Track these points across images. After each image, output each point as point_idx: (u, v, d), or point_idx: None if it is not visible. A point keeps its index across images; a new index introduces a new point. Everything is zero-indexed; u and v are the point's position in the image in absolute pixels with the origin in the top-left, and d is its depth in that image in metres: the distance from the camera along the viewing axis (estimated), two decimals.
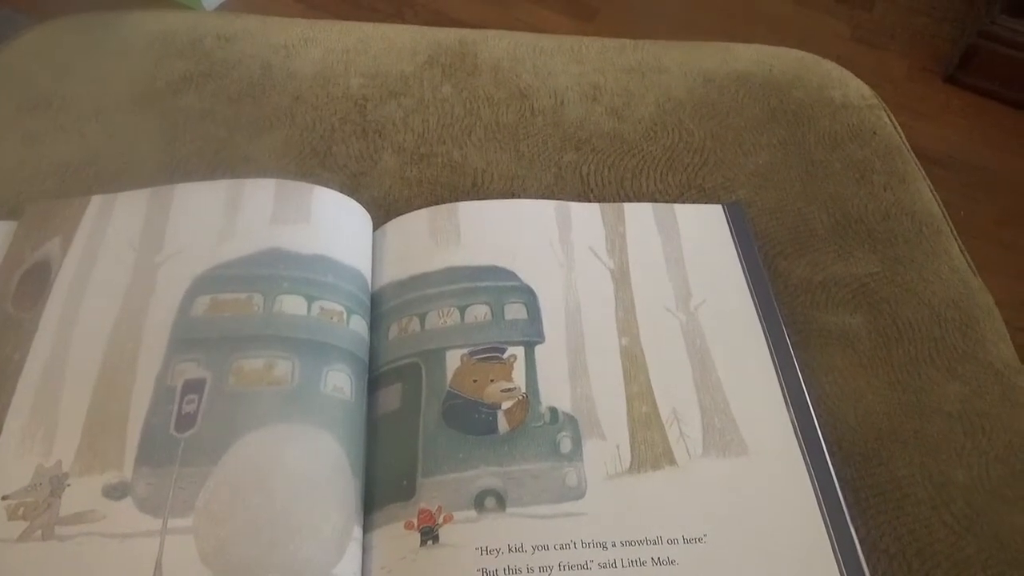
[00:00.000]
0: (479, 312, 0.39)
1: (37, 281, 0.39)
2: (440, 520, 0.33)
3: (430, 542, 0.33)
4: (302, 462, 0.34)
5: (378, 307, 0.41)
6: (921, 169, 0.52)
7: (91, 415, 0.35)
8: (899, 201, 0.49)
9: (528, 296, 0.40)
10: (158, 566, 0.31)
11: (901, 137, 0.54)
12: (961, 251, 0.48)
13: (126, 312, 0.38)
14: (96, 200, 0.43)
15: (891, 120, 0.55)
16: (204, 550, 0.31)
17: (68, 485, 0.33)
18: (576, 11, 1.38)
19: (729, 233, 0.44)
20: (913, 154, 0.53)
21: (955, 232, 0.49)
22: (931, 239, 0.47)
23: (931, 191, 0.51)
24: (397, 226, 0.44)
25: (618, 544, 0.33)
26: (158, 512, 0.32)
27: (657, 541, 0.33)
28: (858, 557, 0.33)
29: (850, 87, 0.56)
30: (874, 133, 0.53)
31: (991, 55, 1.24)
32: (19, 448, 0.34)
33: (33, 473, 0.33)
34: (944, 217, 0.49)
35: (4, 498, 0.33)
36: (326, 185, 0.43)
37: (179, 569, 0.31)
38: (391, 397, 0.37)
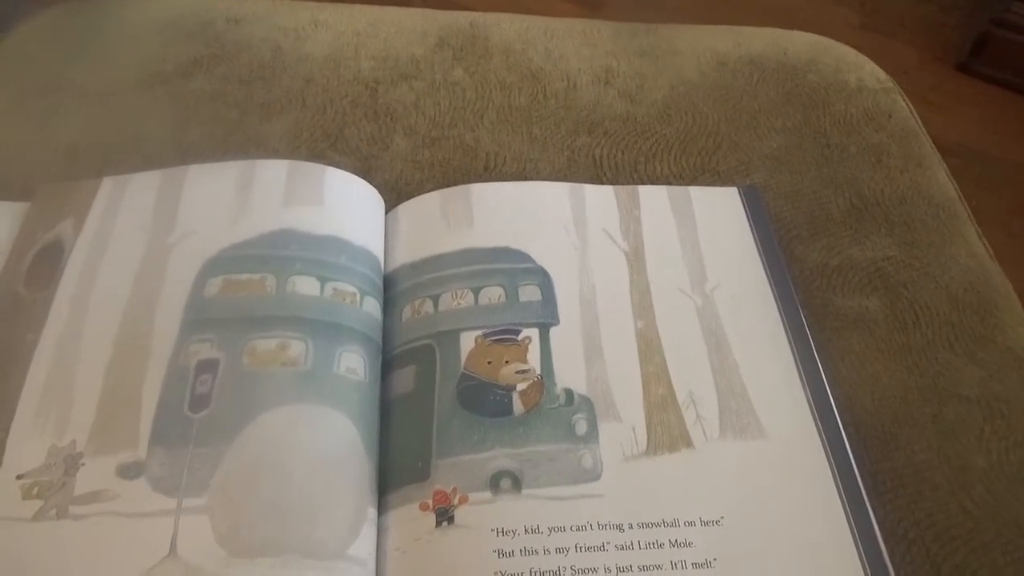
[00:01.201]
0: (493, 294, 0.39)
1: (49, 262, 0.39)
2: (455, 501, 0.33)
3: (445, 523, 0.33)
4: (316, 443, 0.34)
5: (391, 289, 0.40)
6: (937, 153, 0.51)
7: (105, 395, 0.35)
8: (915, 185, 0.48)
9: (542, 278, 0.40)
10: (173, 545, 0.31)
11: (917, 121, 0.53)
12: (978, 235, 0.47)
13: (139, 293, 0.38)
14: (108, 181, 0.42)
15: (907, 104, 0.54)
16: (218, 530, 0.31)
17: (82, 464, 0.33)
18: None
19: (745, 216, 0.44)
20: (929, 138, 0.52)
21: (972, 216, 0.48)
22: (948, 223, 0.47)
23: (947, 175, 0.50)
24: (409, 208, 0.43)
25: (635, 526, 0.33)
26: (172, 492, 0.32)
27: (674, 523, 0.33)
28: (877, 541, 0.33)
29: (865, 71, 0.56)
30: (890, 117, 0.52)
31: (1004, 43, 1.23)
32: (33, 428, 0.34)
33: (47, 452, 0.33)
34: (960, 201, 0.49)
35: (18, 477, 0.33)
36: (338, 168, 0.43)
37: (193, 549, 0.31)
38: (405, 379, 0.37)
